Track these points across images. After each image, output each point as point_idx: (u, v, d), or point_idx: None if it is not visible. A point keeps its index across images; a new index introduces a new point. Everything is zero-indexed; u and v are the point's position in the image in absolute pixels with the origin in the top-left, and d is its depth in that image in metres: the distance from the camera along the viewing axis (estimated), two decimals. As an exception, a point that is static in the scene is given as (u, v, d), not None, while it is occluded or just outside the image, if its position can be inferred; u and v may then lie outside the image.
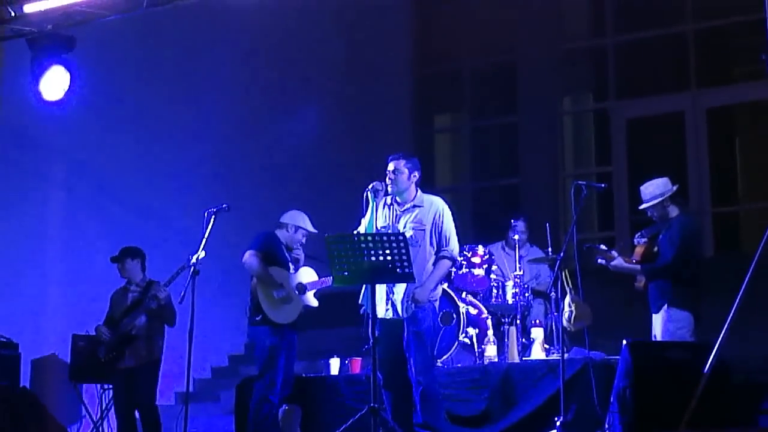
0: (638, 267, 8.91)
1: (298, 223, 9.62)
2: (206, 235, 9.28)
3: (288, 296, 9.36)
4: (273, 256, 9.47)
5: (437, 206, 8.67)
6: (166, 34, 13.43)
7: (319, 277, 9.51)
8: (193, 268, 9.14)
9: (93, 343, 10.41)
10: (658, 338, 8.70)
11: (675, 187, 9.00)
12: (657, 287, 8.79)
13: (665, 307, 8.67)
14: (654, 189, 8.99)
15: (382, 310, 8.47)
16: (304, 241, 9.66)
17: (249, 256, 9.35)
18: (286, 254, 9.57)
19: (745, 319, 6.49)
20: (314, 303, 9.48)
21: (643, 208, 9.07)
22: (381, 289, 8.45)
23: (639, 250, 9.03)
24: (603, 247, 9.12)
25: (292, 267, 9.55)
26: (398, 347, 8.45)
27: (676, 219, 8.90)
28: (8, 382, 10.46)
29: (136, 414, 10.15)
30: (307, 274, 9.55)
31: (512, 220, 11.18)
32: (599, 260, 8.98)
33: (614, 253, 8.98)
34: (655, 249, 8.89)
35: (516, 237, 10.96)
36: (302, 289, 9.46)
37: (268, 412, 9.24)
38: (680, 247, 8.72)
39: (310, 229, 9.61)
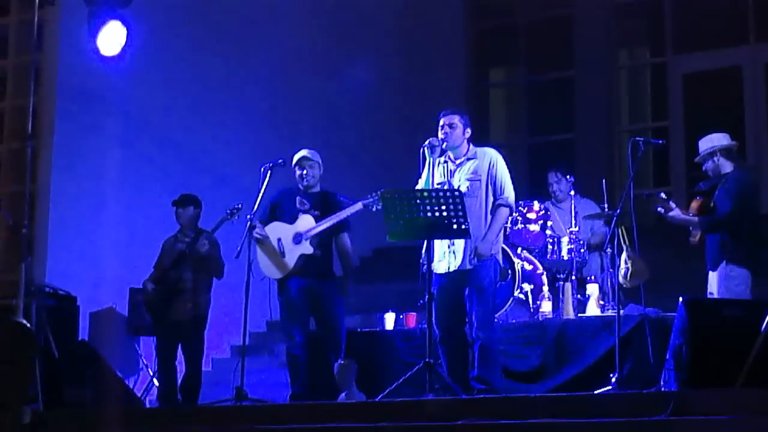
0: (696, 219, 8.87)
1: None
2: (263, 190, 9.37)
3: (278, 248, 9.37)
4: (274, 213, 9.52)
5: (491, 156, 8.69)
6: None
7: (317, 223, 9.43)
8: (249, 223, 9.26)
9: (144, 297, 10.54)
10: (715, 295, 8.66)
11: (729, 143, 8.94)
12: (715, 244, 8.74)
13: (723, 263, 8.63)
14: (707, 142, 9.00)
15: (444, 265, 8.50)
16: (304, 172, 9.52)
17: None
18: (291, 204, 9.49)
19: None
20: (308, 251, 9.39)
21: (696, 161, 9.10)
22: (442, 245, 8.48)
23: (695, 204, 8.98)
24: (663, 195, 9.08)
25: (306, 216, 9.45)
26: (457, 302, 8.48)
27: (733, 174, 8.85)
28: (68, 335, 10.58)
29: (177, 366, 10.28)
30: (304, 223, 9.46)
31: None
32: (659, 209, 8.96)
33: (672, 204, 8.95)
34: (712, 204, 8.85)
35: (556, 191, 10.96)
36: (297, 237, 9.40)
37: (293, 366, 9.36)
38: (737, 201, 8.67)
39: (292, 163, 9.57)
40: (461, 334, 8.56)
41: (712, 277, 8.82)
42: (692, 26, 15.48)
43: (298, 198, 9.55)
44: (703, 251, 8.92)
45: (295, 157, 9.54)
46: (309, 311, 9.45)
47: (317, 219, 9.38)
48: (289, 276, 9.39)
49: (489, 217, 8.53)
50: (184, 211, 10.42)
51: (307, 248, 9.33)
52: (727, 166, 8.91)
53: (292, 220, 9.44)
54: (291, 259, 9.36)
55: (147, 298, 10.41)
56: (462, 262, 8.45)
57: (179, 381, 10.28)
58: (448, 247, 8.49)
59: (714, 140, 8.96)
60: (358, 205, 9.26)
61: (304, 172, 9.52)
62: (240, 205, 9.82)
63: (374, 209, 9.20)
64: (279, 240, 9.39)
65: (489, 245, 8.44)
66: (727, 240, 8.68)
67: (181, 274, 10.19)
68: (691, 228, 9.00)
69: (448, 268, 8.50)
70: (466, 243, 8.41)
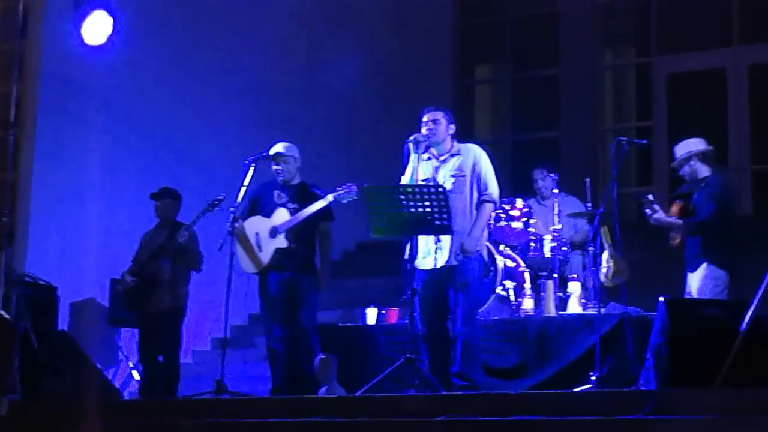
0: (679, 221, 8.92)
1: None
2: (246, 183, 9.34)
3: (255, 243, 9.35)
4: (254, 208, 9.50)
5: (474, 152, 8.70)
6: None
7: (290, 217, 9.38)
8: (232, 215, 9.23)
9: (123, 289, 10.52)
10: (694, 296, 8.70)
11: (705, 148, 9.02)
12: (696, 245, 8.79)
13: (704, 265, 8.69)
14: (683, 147, 9.09)
15: (430, 261, 8.49)
16: (279, 168, 9.50)
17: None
18: (269, 198, 9.47)
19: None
20: (282, 244, 9.36)
21: (672, 166, 9.21)
22: (428, 242, 8.49)
23: (675, 209, 9.06)
24: (650, 197, 9.13)
25: (281, 210, 9.41)
26: (441, 298, 8.47)
27: (713, 177, 8.95)
28: (47, 325, 10.55)
29: (160, 359, 10.25)
30: (279, 216, 9.42)
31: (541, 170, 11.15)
32: (646, 210, 9.00)
33: (657, 207, 9.00)
34: (691, 207, 8.91)
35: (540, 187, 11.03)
36: (273, 232, 9.37)
37: (273, 360, 9.36)
38: (719, 203, 8.74)
39: (270, 154, 9.51)
40: (443, 330, 8.53)
41: (691, 278, 8.87)
42: (677, 27, 15.50)
43: (276, 191, 9.51)
44: (683, 253, 8.96)
45: (270, 153, 9.50)
46: (288, 305, 9.40)
47: (294, 212, 9.34)
48: (267, 270, 9.36)
49: (474, 213, 8.53)
50: (163, 204, 10.38)
51: (282, 242, 9.29)
52: (703, 171, 8.99)
53: (269, 213, 9.41)
54: (266, 254, 9.33)
55: (125, 290, 10.37)
56: (448, 258, 8.45)
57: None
58: (435, 243, 8.48)
59: (690, 145, 9.05)
60: (329, 198, 9.24)
61: (279, 167, 9.50)
62: (222, 196, 9.79)
63: (345, 201, 9.20)
64: (256, 234, 9.36)
65: (475, 241, 8.44)
66: (709, 242, 8.73)
67: (159, 266, 10.14)
68: (671, 231, 9.05)
69: (434, 264, 8.48)
70: (452, 239, 8.41)
